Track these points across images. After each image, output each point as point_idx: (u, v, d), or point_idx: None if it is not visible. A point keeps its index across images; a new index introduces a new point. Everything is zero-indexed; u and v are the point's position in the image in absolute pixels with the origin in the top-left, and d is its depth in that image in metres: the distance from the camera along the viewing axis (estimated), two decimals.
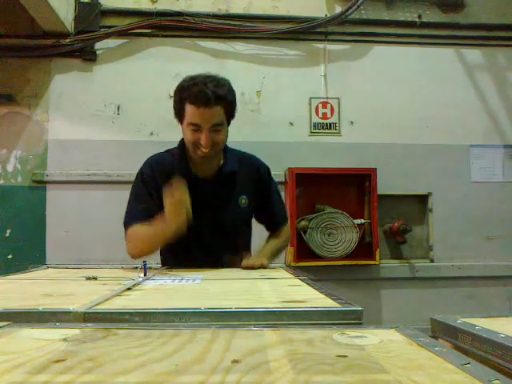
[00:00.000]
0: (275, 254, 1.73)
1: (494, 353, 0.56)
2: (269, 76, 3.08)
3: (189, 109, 1.46)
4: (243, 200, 1.64)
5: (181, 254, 1.61)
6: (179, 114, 1.52)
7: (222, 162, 1.63)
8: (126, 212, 1.58)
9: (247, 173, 1.66)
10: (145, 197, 1.56)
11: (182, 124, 1.54)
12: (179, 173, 1.57)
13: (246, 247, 1.72)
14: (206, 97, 1.42)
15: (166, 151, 1.67)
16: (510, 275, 3.08)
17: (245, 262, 1.48)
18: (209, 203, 1.58)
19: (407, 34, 3.18)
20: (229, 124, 1.57)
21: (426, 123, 3.16)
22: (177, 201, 1.33)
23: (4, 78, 2.90)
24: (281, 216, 1.79)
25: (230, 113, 1.53)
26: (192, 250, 1.59)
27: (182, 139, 1.64)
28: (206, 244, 1.59)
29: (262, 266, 1.47)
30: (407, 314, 2.96)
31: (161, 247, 1.63)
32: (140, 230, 1.48)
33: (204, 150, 1.49)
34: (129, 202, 1.60)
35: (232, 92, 1.53)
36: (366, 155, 3.06)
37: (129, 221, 1.54)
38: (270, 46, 3.09)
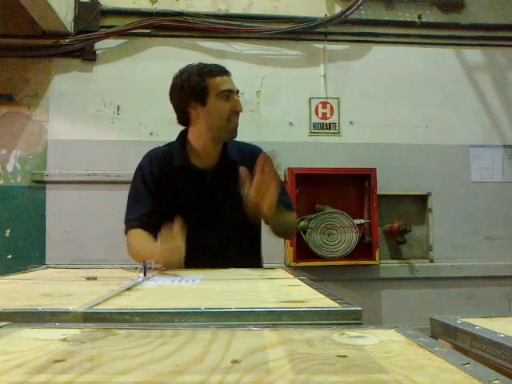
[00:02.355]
0: (280, 222, 1.57)
1: (493, 353, 0.56)
2: (269, 76, 3.08)
3: (215, 81, 1.53)
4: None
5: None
6: (200, 94, 1.53)
7: (221, 152, 1.62)
8: (127, 208, 1.57)
9: (248, 163, 1.64)
10: (144, 193, 1.55)
11: (205, 104, 1.54)
12: (178, 163, 1.57)
13: (252, 246, 1.69)
14: (224, 67, 1.57)
15: (166, 145, 1.67)
16: (509, 275, 3.08)
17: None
18: (209, 194, 1.56)
19: (407, 34, 3.18)
20: None
21: (426, 123, 3.16)
22: (172, 248, 1.30)
23: (4, 78, 2.90)
24: (287, 205, 1.64)
25: None
26: (192, 245, 1.57)
27: (181, 132, 1.65)
28: (207, 238, 1.56)
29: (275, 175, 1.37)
30: (407, 314, 2.96)
31: None
32: (140, 243, 1.48)
33: (236, 117, 1.54)
34: (128, 198, 1.59)
35: None
36: (366, 155, 3.06)
37: (129, 221, 1.53)
38: (269, 46, 3.09)
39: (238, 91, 1.57)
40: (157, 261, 1.34)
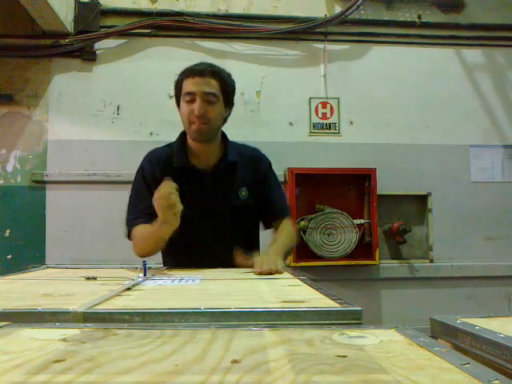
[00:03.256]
0: (287, 254, 1.63)
1: (493, 353, 0.56)
2: (269, 76, 3.08)
3: (185, 82, 1.52)
4: (243, 192, 1.62)
5: (179, 250, 1.60)
6: (178, 95, 1.56)
7: (221, 153, 1.63)
8: (128, 209, 1.57)
9: (247, 165, 1.64)
10: (145, 193, 1.55)
11: (178, 105, 1.57)
12: (177, 164, 1.58)
13: (251, 246, 1.70)
14: (201, 68, 1.52)
15: (166, 145, 1.68)
16: (509, 275, 3.08)
17: (256, 265, 1.32)
18: (208, 194, 1.57)
19: (407, 34, 3.18)
20: (226, 107, 1.58)
21: (426, 123, 3.16)
22: (163, 195, 1.29)
23: (4, 78, 2.90)
24: (279, 208, 1.69)
25: (226, 93, 1.56)
26: (191, 246, 1.57)
27: (182, 132, 1.65)
28: (205, 238, 1.57)
29: (277, 272, 1.29)
30: (407, 313, 2.96)
31: (164, 245, 1.60)
32: (141, 230, 1.48)
33: (196, 120, 1.49)
34: (130, 198, 1.60)
35: (230, 78, 1.59)
36: (366, 155, 3.06)
37: (131, 220, 1.53)
38: (269, 46, 3.09)
39: (208, 93, 1.50)
40: (159, 231, 1.35)
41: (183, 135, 1.64)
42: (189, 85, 1.50)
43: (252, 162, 1.67)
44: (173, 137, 1.69)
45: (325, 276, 2.84)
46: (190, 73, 1.52)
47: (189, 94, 1.50)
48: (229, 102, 1.60)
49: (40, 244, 2.86)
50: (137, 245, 1.51)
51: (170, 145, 1.67)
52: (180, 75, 1.56)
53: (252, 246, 1.70)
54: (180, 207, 1.30)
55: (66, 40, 2.88)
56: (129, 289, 0.97)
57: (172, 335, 0.58)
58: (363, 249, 2.92)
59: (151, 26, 2.98)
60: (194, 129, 1.52)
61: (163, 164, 1.59)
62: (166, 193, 1.28)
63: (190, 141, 1.61)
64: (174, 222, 1.31)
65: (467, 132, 3.18)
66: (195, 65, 1.56)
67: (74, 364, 0.46)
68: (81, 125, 2.94)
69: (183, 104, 1.52)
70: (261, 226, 1.73)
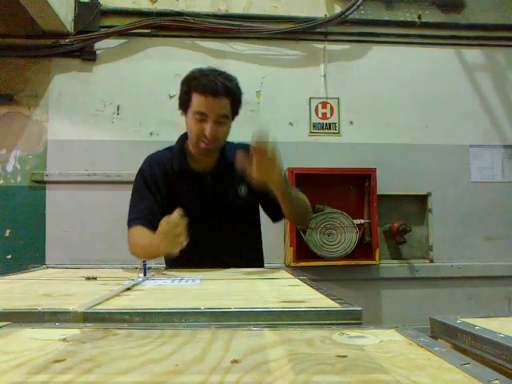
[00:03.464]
0: (293, 198, 1.59)
1: (493, 353, 0.56)
2: (269, 76, 3.08)
3: (196, 98, 1.47)
4: (243, 189, 1.63)
5: (180, 252, 1.60)
6: (185, 104, 1.53)
7: (219, 154, 1.62)
8: (129, 210, 1.58)
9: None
10: (146, 194, 1.56)
11: (186, 115, 1.54)
12: (177, 167, 1.58)
13: (253, 246, 1.69)
14: (215, 87, 1.45)
15: (166, 149, 1.68)
16: (509, 275, 3.08)
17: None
18: (207, 195, 1.58)
19: (407, 34, 3.18)
20: (232, 120, 1.58)
21: (426, 123, 3.16)
22: (172, 223, 1.26)
23: (4, 78, 2.90)
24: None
25: (235, 108, 1.55)
26: (191, 246, 1.58)
27: (181, 135, 1.65)
28: (205, 238, 1.57)
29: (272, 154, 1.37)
30: (407, 313, 2.96)
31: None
32: (140, 236, 1.47)
33: (207, 141, 1.49)
34: (131, 200, 1.60)
35: (239, 89, 1.56)
36: (366, 155, 3.06)
37: (131, 220, 1.54)
38: (269, 46, 3.09)
39: (221, 115, 1.47)
40: (157, 249, 1.32)
41: (182, 139, 1.64)
42: (201, 104, 1.46)
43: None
44: (173, 136, 1.69)
45: (325, 276, 2.83)
46: (201, 89, 1.46)
47: (200, 113, 1.47)
48: (236, 115, 1.58)
49: (40, 244, 2.86)
50: (132, 247, 1.51)
51: (169, 148, 1.67)
52: (188, 83, 1.50)
53: (253, 246, 1.70)
54: (183, 242, 1.26)
55: (66, 40, 2.88)
56: (129, 289, 0.97)
57: (172, 335, 0.58)
58: (363, 249, 2.92)
59: (151, 26, 2.98)
60: (202, 146, 1.52)
61: (163, 167, 1.60)
62: (176, 221, 1.24)
63: (190, 147, 1.61)
64: (173, 249, 1.28)
65: (467, 132, 3.18)
66: (206, 76, 1.48)
67: (74, 364, 0.46)
68: (81, 125, 2.94)
69: (192, 119, 1.50)
70: (263, 226, 1.73)
